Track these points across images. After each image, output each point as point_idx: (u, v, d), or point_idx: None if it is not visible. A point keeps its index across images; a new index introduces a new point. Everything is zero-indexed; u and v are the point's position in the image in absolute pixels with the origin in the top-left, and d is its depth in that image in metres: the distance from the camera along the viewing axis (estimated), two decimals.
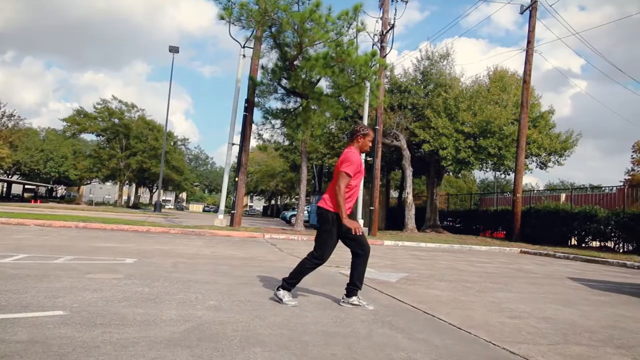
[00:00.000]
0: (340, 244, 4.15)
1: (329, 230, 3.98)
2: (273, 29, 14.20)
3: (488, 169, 24.83)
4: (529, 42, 18.99)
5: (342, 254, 10.60)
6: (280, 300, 4.03)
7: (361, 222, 17.66)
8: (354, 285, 4.19)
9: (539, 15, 25.29)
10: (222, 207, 16.57)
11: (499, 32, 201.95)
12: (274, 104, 47.18)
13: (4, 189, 64.37)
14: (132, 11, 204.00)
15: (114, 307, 3.42)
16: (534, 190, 24.50)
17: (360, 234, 3.96)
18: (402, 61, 50.01)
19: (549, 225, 18.71)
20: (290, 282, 4.10)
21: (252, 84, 15.93)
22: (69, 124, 47.56)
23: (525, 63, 19.13)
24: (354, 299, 4.17)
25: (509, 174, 24.52)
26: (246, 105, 16.25)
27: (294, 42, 14.40)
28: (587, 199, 21.20)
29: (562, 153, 22.74)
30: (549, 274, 8.63)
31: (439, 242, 16.25)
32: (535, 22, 18.92)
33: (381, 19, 17.85)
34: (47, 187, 71.63)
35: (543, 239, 18.51)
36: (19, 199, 57.99)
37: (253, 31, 14.99)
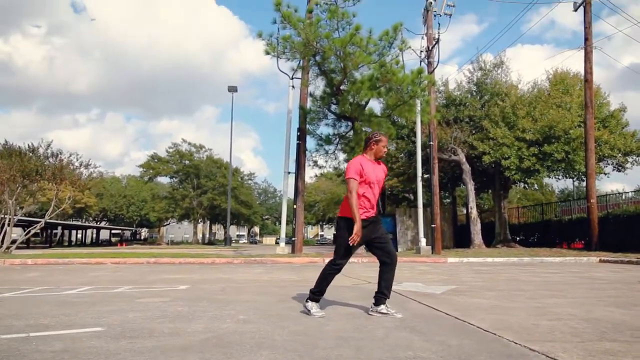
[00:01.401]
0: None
1: (341, 235, 4.07)
2: (317, 57, 14.65)
3: (559, 177, 23.51)
4: (586, 40, 18.10)
5: (397, 272, 10.46)
6: (308, 312, 4.12)
7: (424, 241, 17.31)
8: (381, 294, 4.20)
9: (605, 14, 23.91)
10: (282, 235, 16.96)
11: (566, 35, 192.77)
12: (325, 130, 47.79)
13: (94, 235, 69.82)
14: (198, 60, 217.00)
15: (148, 324, 3.69)
16: (617, 194, 22.65)
17: (352, 244, 3.87)
18: (458, 76, 49.19)
19: (631, 230, 17.29)
20: (315, 292, 4.20)
21: (303, 113, 16.40)
22: (145, 169, 51.02)
23: (585, 61, 18.20)
24: (382, 307, 4.17)
25: (582, 180, 23.07)
26: (298, 133, 16.72)
27: (338, 67, 14.76)
28: None
29: None
30: (619, 280, 8.01)
31: (508, 256, 15.55)
32: (590, 17, 18.06)
33: (425, 35, 17.84)
34: (132, 230, 76.77)
35: (626, 245, 17.10)
36: (107, 243, 62.61)
37: (299, 62, 15.55)
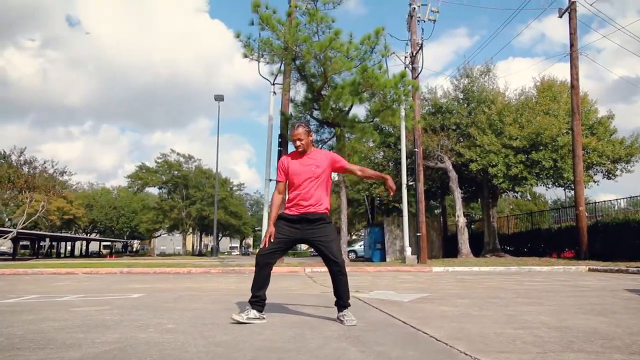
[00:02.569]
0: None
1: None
2: (297, 62, 14.31)
3: (548, 185, 23.19)
4: (572, 46, 17.90)
5: (376, 281, 10.03)
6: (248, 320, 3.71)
7: (409, 250, 16.89)
8: (336, 302, 3.94)
9: (595, 26, 23.87)
10: (262, 244, 16.44)
11: (556, 47, 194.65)
12: None
13: (82, 247, 68.66)
14: (192, 73, 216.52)
15: (56, 334, 3.23)
16: (608, 203, 22.15)
17: (262, 246, 3.91)
18: (446, 84, 49.14)
19: (620, 239, 16.96)
20: (251, 296, 3.85)
21: (284, 119, 16.01)
22: (132, 180, 50.37)
23: (571, 67, 17.98)
24: (339, 314, 3.85)
25: (572, 188, 22.75)
26: (280, 140, 16.31)
27: (318, 72, 14.43)
28: None
29: (629, 159, 20.88)
30: (605, 287, 7.61)
31: (495, 266, 15.13)
32: (575, 24, 17.89)
33: (410, 41, 17.58)
34: (123, 242, 75.61)
35: (616, 254, 16.75)
36: (97, 255, 61.49)
37: (280, 65, 15.18)
